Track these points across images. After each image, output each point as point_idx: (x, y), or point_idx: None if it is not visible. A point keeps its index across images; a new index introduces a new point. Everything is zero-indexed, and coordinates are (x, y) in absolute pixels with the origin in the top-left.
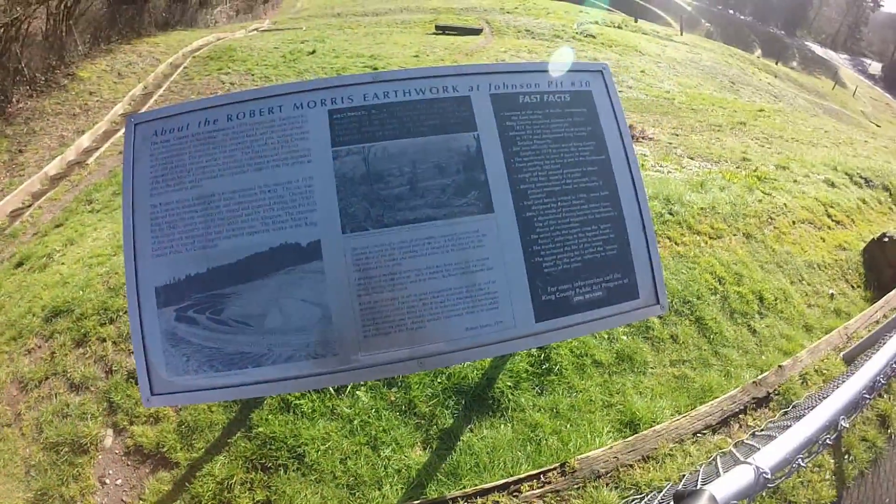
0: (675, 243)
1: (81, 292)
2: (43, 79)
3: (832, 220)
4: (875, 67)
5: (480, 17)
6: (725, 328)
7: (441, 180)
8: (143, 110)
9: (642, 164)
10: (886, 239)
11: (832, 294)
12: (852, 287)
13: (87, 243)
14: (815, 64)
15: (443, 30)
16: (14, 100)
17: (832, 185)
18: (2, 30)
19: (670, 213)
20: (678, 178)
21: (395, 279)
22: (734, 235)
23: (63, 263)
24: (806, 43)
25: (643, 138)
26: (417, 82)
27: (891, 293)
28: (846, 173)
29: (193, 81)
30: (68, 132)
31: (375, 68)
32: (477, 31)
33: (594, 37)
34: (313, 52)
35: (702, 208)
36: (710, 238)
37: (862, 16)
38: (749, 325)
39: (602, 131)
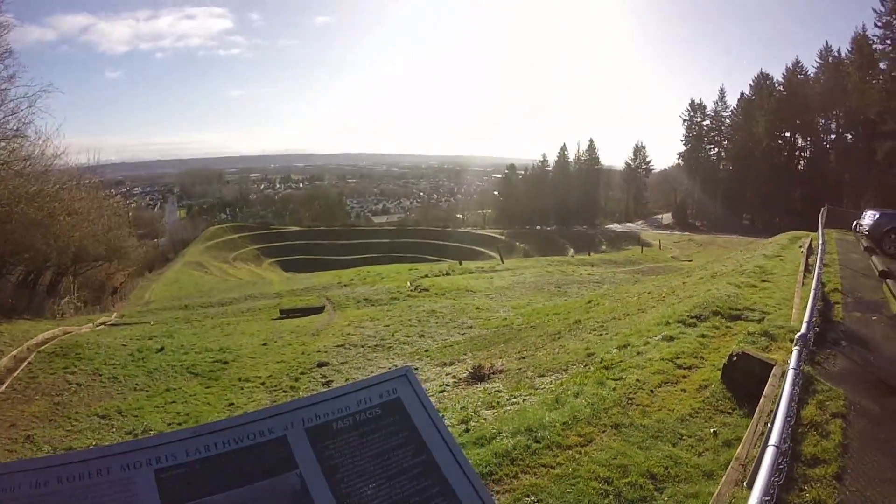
0: (552, 467)
1: None
2: None
3: (685, 369)
4: (667, 218)
5: (321, 295)
6: None
7: None
8: None
9: (497, 402)
10: (735, 357)
11: (714, 432)
12: (728, 414)
13: None
14: (620, 240)
15: (287, 313)
16: None
17: (671, 338)
18: None
19: (536, 441)
20: (534, 402)
21: None
22: (603, 433)
23: None
24: (607, 227)
25: (494, 373)
26: (234, 431)
27: (760, 401)
28: (678, 322)
29: (38, 380)
30: None
31: (226, 362)
32: (320, 310)
33: (427, 290)
34: (162, 349)
35: (564, 423)
36: (582, 446)
37: (640, 185)
38: None
39: (418, 432)
